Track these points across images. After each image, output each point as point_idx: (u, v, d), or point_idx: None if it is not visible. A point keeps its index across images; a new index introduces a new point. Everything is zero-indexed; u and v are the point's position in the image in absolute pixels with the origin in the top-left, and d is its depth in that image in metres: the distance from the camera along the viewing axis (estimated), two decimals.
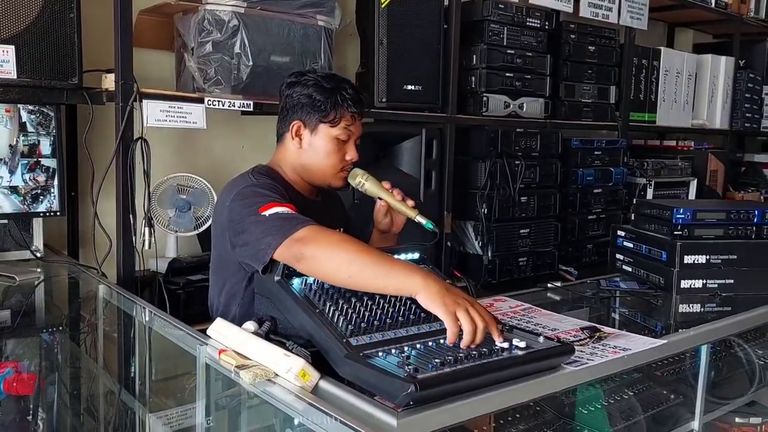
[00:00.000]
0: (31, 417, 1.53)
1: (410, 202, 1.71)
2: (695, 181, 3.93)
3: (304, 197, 1.74)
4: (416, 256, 1.58)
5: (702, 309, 1.99)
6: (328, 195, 1.82)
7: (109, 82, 2.06)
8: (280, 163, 1.75)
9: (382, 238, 1.83)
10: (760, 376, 2.28)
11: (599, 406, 1.82)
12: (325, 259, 1.36)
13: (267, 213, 1.48)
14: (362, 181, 1.71)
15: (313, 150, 1.70)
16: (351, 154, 1.71)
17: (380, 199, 1.74)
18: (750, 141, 5.13)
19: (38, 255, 2.17)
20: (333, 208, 1.88)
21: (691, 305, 2.01)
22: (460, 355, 1.20)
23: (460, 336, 1.25)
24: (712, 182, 4.17)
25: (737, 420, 2.18)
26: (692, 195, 3.93)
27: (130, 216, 2.06)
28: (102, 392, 1.89)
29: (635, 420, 1.84)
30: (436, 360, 1.17)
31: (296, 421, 1.26)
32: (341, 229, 1.86)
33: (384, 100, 2.66)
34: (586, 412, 1.82)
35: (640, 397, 1.91)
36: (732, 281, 2.05)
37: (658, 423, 1.81)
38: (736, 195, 4.41)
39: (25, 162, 2.05)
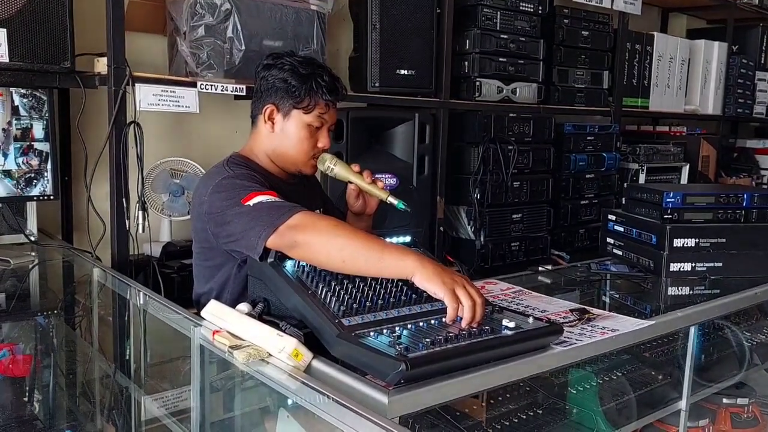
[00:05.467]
0: (26, 398, 1.55)
1: (380, 184, 1.70)
2: (687, 167, 3.95)
3: (280, 181, 1.73)
4: (408, 239, 1.60)
5: (691, 292, 2.01)
6: (305, 177, 1.81)
7: (101, 65, 2.06)
8: (254, 149, 1.74)
9: (357, 220, 1.82)
10: (749, 358, 2.31)
11: (588, 387, 1.85)
12: (319, 245, 1.36)
13: (251, 203, 1.47)
14: (331, 166, 1.70)
15: (285, 135, 1.69)
16: (323, 142, 1.70)
17: (350, 182, 1.73)
18: (743, 126, 5.15)
19: (32, 239, 2.17)
20: (310, 190, 1.87)
21: (680, 288, 2.03)
22: (451, 334, 1.22)
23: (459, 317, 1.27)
24: (704, 167, 4.20)
25: (725, 401, 2.22)
26: (684, 180, 3.95)
27: (124, 200, 2.07)
28: (97, 375, 1.90)
29: (624, 399, 1.86)
30: (427, 339, 1.19)
31: (289, 401, 1.28)
32: (320, 210, 1.86)
33: (377, 84, 2.67)
34: (574, 392, 1.84)
35: (629, 378, 1.94)
36: (721, 264, 2.08)
37: (646, 403, 1.84)
38: (728, 180, 4.44)
39: (18, 146, 2.05)
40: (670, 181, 3.87)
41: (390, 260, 1.33)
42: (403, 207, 1.64)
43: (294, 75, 1.66)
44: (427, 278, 1.29)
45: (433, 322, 1.30)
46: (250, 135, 1.77)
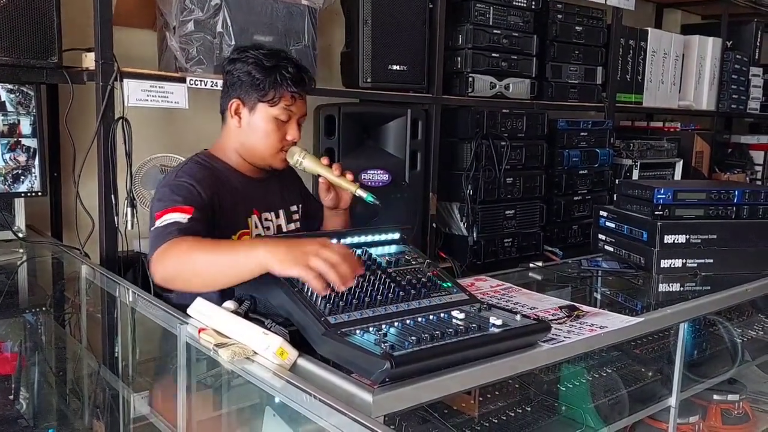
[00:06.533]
0: (12, 396, 1.53)
1: (350, 176, 1.67)
2: (681, 163, 3.95)
3: (247, 178, 1.71)
4: (396, 236, 1.59)
5: (681, 288, 2.01)
6: (282, 172, 1.77)
7: (89, 61, 2.04)
8: (224, 145, 1.72)
9: (333, 216, 1.80)
10: (740, 354, 2.31)
11: (578, 383, 1.85)
12: (179, 276, 1.38)
13: (157, 222, 1.47)
14: (300, 159, 1.68)
15: (252, 129, 1.67)
16: (292, 135, 1.68)
17: (320, 176, 1.70)
18: (737, 122, 5.15)
19: (20, 235, 2.15)
20: (286, 185, 1.84)
21: (670, 284, 2.02)
22: (437, 332, 1.21)
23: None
24: (697, 163, 4.19)
25: (715, 397, 2.22)
26: (678, 176, 3.94)
27: (112, 196, 2.06)
28: (86, 372, 1.89)
29: (615, 396, 1.86)
30: (413, 337, 1.18)
31: (277, 400, 1.27)
32: (299, 206, 1.83)
33: (369, 80, 2.65)
34: (564, 389, 1.84)
35: (619, 375, 1.93)
36: (711, 261, 2.07)
37: (636, 399, 1.84)
38: (722, 176, 4.44)
39: (5, 142, 2.03)
40: (663, 177, 3.86)
41: (243, 261, 1.28)
42: (372, 200, 1.62)
43: (258, 68, 1.63)
44: (281, 264, 1.23)
45: (420, 319, 1.30)
46: (221, 130, 1.75)
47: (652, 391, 1.89)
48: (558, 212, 3.32)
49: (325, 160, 1.69)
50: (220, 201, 1.61)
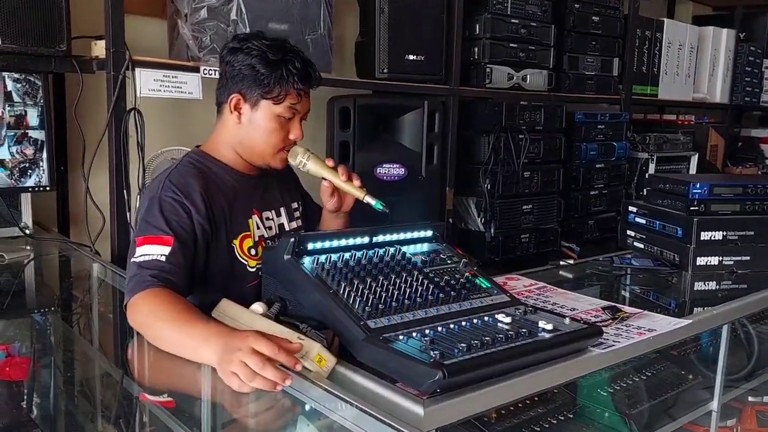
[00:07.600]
0: (25, 403, 1.45)
1: (357, 182, 1.57)
2: (696, 156, 3.87)
3: (244, 176, 1.60)
4: (429, 233, 1.51)
5: (718, 287, 1.93)
6: (278, 170, 1.65)
7: (99, 49, 1.96)
8: (218, 141, 1.60)
9: (333, 218, 1.69)
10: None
11: (618, 388, 1.77)
12: (144, 335, 1.35)
13: (137, 252, 1.40)
14: (303, 161, 1.57)
15: (253, 127, 1.55)
16: (295, 134, 1.56)
17: (324, 179, 1.59)
18: (747, 115, 5.08)
19: (27, 232, 2.08)
20: (284, 184, 1.72)
21: (706, 283, 1.95)
22: (486, 339, 1.13)
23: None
24: (712, 157, 4.13)
25: (750, 399, 2.15)
26: (693, 170, 3.88)
27: (124, 191, 1.97)
28: (98, 375, 1.81)
29: (655, 402, 1.78)
30: (462, 344, 1.10)
31: (307, 407, 1.19)
32: (299, 203, 1.74)
33: (385, 70, 2.57)
34: (605, 394, 1.76)
35: (658, 379, 1.86)
36: (748, 258, 2.00)
37: (676, 404, 1.76)
38: (734, 170, 4.37)
39: (12, 134, 1.95)
40: (679, 171, 3.79)
41: (191, 354, 1.24)
42: (381, 207, 1.51)
43: (262, 61, 1.51)
44: (219, 372, 1.15)
45: (464, 323, 1.22)
46: (216, 124, 1.63)
47: (691, 396, 1.82)
48: (575, 207, 3.25)
49: (330, 162, 1.59)
50: (215, 207, 1.50)
